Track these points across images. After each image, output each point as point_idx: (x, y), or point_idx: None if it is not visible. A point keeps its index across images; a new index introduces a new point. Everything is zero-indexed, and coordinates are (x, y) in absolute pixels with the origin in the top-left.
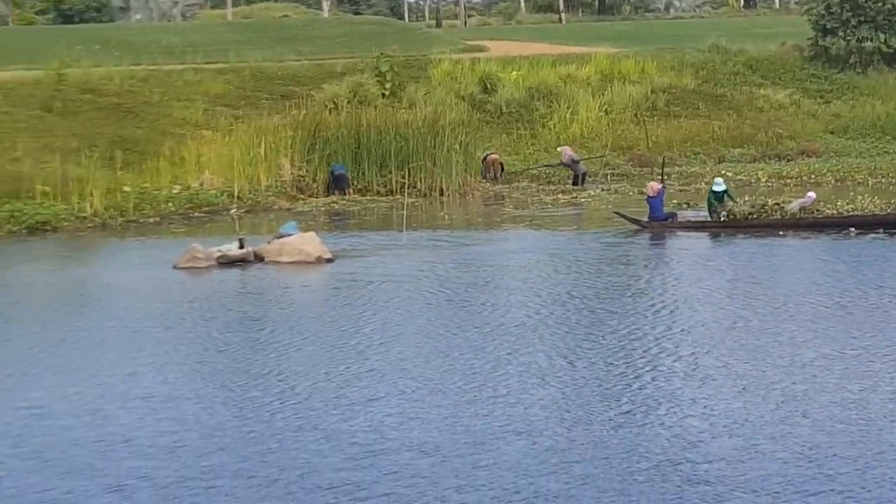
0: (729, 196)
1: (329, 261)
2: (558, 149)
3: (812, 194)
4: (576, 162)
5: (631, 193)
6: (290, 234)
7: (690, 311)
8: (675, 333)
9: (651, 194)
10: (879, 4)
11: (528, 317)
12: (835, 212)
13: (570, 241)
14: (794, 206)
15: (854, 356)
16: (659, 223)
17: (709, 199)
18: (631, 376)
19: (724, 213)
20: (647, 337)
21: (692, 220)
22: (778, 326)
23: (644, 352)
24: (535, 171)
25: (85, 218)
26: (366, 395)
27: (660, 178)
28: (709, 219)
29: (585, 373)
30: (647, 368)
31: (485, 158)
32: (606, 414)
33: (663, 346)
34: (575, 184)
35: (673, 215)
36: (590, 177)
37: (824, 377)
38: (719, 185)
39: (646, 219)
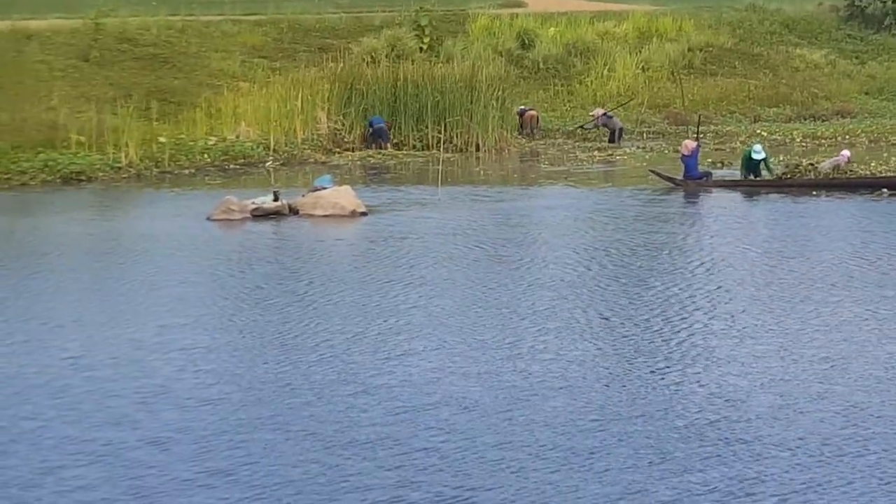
0: (766, 166)
1: (364, 214)
2: (591, 113)
3: (846, 153)
4: (609, 118)
5: (666, 151)
6: (325, 188)
7: (726, 269)
8: (711, 291)
9: (686, 153)
10: None
11: (565, 273)
12: (868, 172)
13: (606, 197)
14: (826, 164)
15: (888, 317)
16: (694, 181)
17: (742, 162)
18: (668, 333)
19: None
20: (683, 294)
21: (727, 178)
22: (813, 285)
23: (680, 308)
24: (570, 128)
25: (120, 168)
26: (403, 349)
27: (695, 136)
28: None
29: (623, 330)
30: (683, 326)
31: (522, 114)
32: (643, 371)
33: (699, 304)
34: (612, 141)
35: (708, 174)
36: (626, 134)
37: (860, 337)
38: (759, 153)
39: (680, 177)
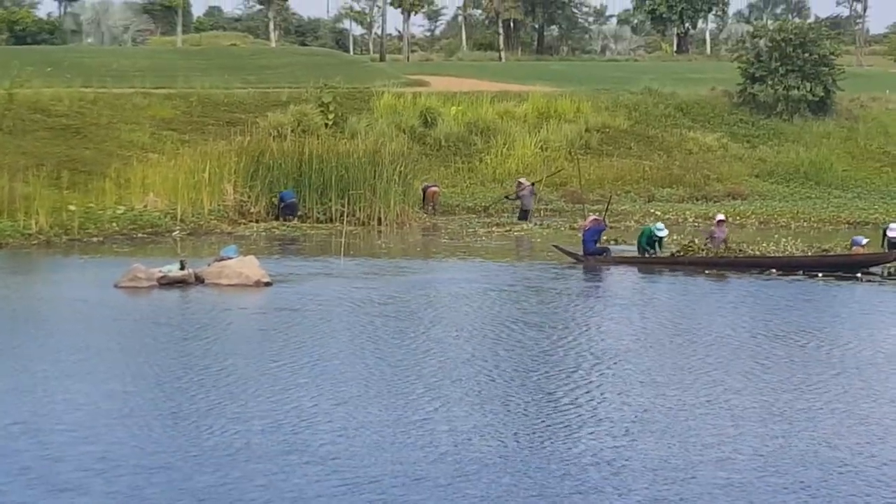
0: (660, 244)
1: (268, 284)
2: (519, 179)
3: (720, 216)
4: (531, 194)
5: (563, 229)
6: (231, 258)
7: (614, 343)
8: (602, 366)
9: (586, 227)
10: (806, 55)
11: (459, 345)
12: (757, 253)
13: (505, 271)
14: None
15: (761, 392)
16: (593, 257)
17: (640, 239)
18: (555, 405)
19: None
20: (573, 368)
21: (625, 255)
22: (698, 361)
23: (569, 382)
24: (469, 205)
25: (30, 235)
26: (294, 414)
27: (600, 215)
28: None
29: (512, 399)
30: (568, 400)
31: (425, 190)
32: (528, 436)
33: (591, 378)
34: (522, 218)
35: (605, 250)
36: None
37: (737, 415)
38: (662, 230)
39: (581, 253)
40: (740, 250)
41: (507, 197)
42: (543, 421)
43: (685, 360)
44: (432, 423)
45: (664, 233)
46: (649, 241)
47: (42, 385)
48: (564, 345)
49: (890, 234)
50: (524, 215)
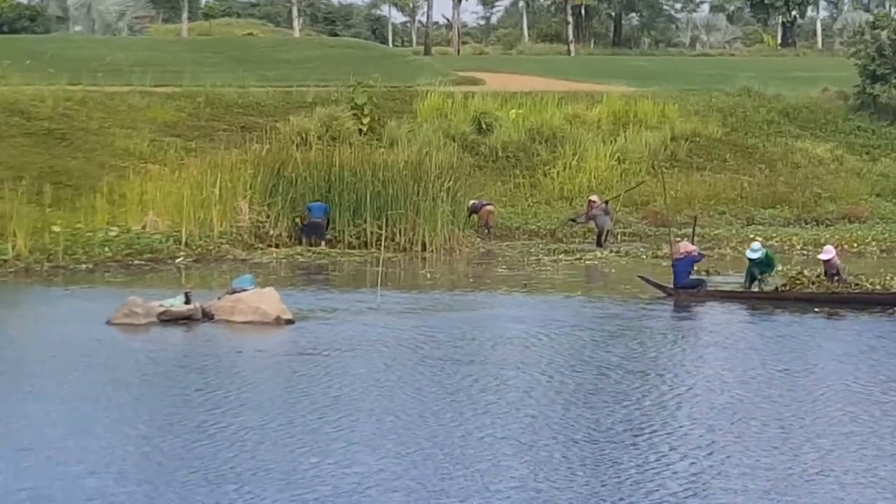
0: (768, 262)
1: (289, 322)
2: (590, 197)
3: (829, 248)
4: (605, 213)
5: (644, 256)
6: (246, 290)
7: (706, 400)
8: (685, 427)
9: (678, 256)
10: None
11: (516, 399)
12: (879, 287)
13: (573, 308)
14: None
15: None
16: (685, 291)
17: (749, 267)
18: (634, 477)
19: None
20: (653, 427)
21: (722, 289)
22: (806, 421)
23: (650, 446)
24: (532, 227)
25: (6, 261)
26: (315, 484)
27: (689, 240)
28: (743, 287)
29: (580, 472)
30: (653, 466)
31: (475, 209)
32: None
33: (671, 442)
34: (598, 243)
35: (701, 282)
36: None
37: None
38: (755, 252)
39: (671, 285)
40: (857, 284)
41: (573, 220)
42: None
43: (801, 418)
44: None
45: (757, 254)
46: (755, 265)
47: (40, 443)
48: (668, 397)
49: None
50: (600, 238)
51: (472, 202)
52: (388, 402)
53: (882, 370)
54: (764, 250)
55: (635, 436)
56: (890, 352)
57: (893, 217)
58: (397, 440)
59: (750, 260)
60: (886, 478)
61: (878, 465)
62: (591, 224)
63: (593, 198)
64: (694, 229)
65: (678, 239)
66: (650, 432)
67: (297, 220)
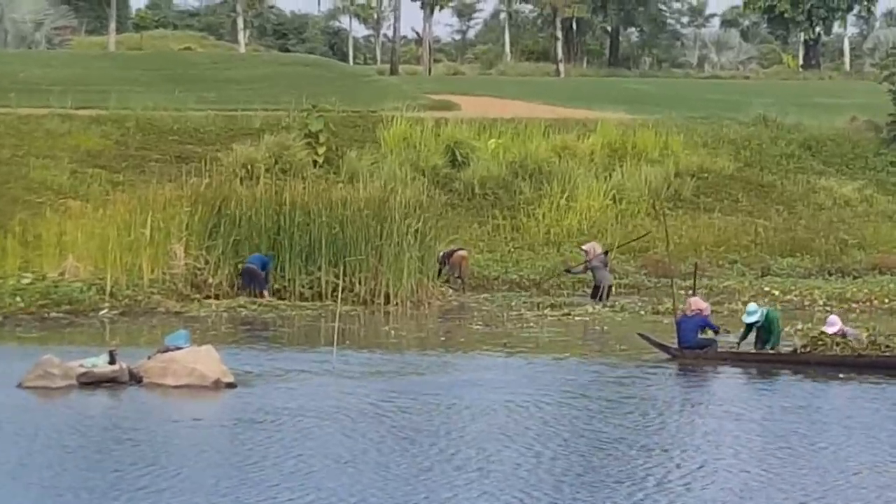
0: (769, 329)
1: (231, 386)
2: (583, 247)
3: (834, 319)
4: (603, 265)
5: (643, 312)
6: (180, 348)
7: (720, 480)
8: None
9: (689, 313)
10: None
11: (499, 479)
12: None
13: (562, 373)
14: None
15: None
16: (691, 352)
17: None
18: None
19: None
20: None
21: (736, 351)
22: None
23: None
24: (513, 277)
25: None
26: None
27: (691, 291)
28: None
29: None
30: None
31: (449, 255)
32: None
33: None
34: (596, 297)
35: (711, 342)
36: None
37: None
38: (751, 315)
39: (675, 346)
40: (888, 346)
41: (568, 270)
42: None
43: (827, 501)
44: None
45: (753, 318)
46: (758, 328)
47: None
48: (675, 476)
49: None
50: (597, 292)
51: (442, 251)
52: (348, 481)
53: None
54: (763, 310)
55: None
56: None
57: None
58: None
59: (747, 325)
60: None
61: None
62: (589, 276)
63: (586, 247)
64: (695, 279)
65: (689, 293)
66: None
67: (240, 266)
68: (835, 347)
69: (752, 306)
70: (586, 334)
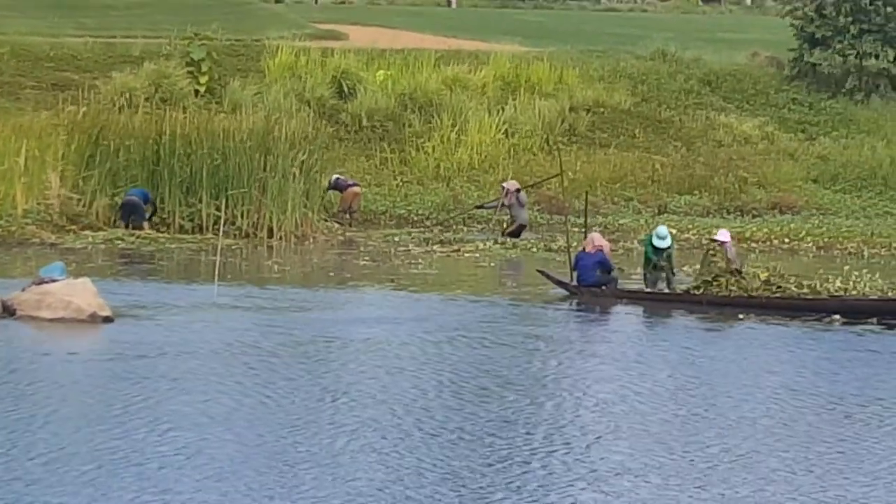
0: (668, 259)
1: (108, 319)
2: (503, 184)
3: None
4: (521, 205)
5: (535, 249)
6: (56, 280)
7: (600, 419)
8: (577, 450)
9: (590, 250)
10: (890, 8)
11: (377, 415)
12: (813, 291)
13: (448, 309)
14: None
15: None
16: (589, 290)
17: (647, 253)
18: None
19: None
20: (534, 462)
21: (636, 290)
22: (722, 448)
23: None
24: (401, 212)
25: None
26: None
27: (582, 229)
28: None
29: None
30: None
31: (340, 186)
32: None
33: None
34: (513, 234)
35: (612, 280)
36: (480, 224)
37: None
38: (663, 240)
39: (574, 282)
40: (779, 287)
41: (481, 206)
42: None
43: (700, 440)
44: None
45: (665, 242)
46: (655, 255)
47: None
48: (539, 418)
49: None
50: (517, 230)
51: (335, 176)
52: (229, 416)
53: (808, 385)
54: (670, 242)
55: (508, 460)
56: (819, 365)
57: (832, 208)
58: (232, 454)
59: (656, 249)
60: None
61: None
62: (505, 215)
63: (507, 184)
64: (587, 212)
65: (594, 231)
66: (528, 455)
67: (118, 198)
68: (730, 288)
69: (662, 229)
70: (476, 271)
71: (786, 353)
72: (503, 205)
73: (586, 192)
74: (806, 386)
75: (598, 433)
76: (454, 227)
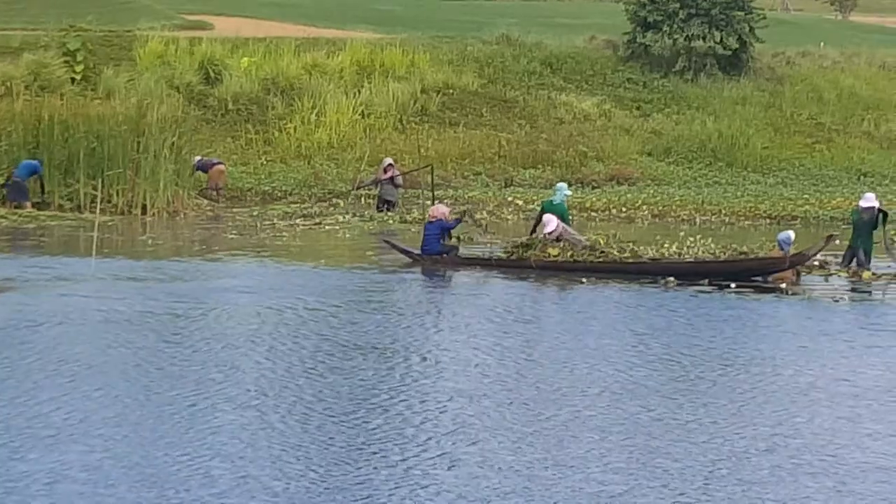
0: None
1: None
2: (388, 160)
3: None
4: (395, 185)
5: (391, 221)
6: None
7: (437, 377)
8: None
9: (431, 220)
10: None
11: (235, 380)
12: (649, 256)
13: (310, 277)
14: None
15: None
16: (430, 258)
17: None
18: (357, 462)
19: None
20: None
21: (477, 256)
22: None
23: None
24: (266, 189)
25: None
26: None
27: (436, 201)
28: (497, 254)
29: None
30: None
31: (205, 167)
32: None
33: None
34: (384, 209)
35: (453, 248)
36: (339, 198)
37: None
38: (560, 192)
39: (417, 251)
40: (602, 251)
41: (359, 187)
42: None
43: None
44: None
45: (561, 195)
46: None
47: None
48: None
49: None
50: (390, 207)
51: (197, 158)
52: (106, 383)
53: (636, 341)
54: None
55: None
56: (651, 323)
57: (665, 178)
58: (108, 424)
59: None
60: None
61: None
62: (375, 190)
63: (391, 160)
64: (433, 186)
65: (440, 202)
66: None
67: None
68: (564, 255)
69: (562, 183)
70: (335, 242)
71: (619, 314)
72: (379, 180)
73: (431, 167)
74: (640, 343)
75: (439, 399)
76: (330, 202)
